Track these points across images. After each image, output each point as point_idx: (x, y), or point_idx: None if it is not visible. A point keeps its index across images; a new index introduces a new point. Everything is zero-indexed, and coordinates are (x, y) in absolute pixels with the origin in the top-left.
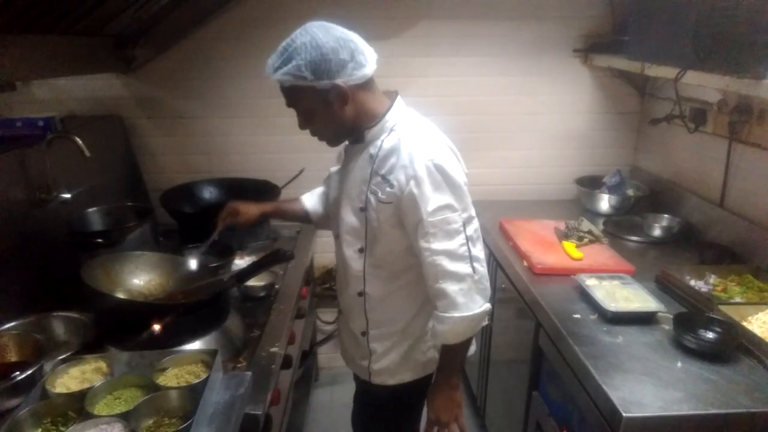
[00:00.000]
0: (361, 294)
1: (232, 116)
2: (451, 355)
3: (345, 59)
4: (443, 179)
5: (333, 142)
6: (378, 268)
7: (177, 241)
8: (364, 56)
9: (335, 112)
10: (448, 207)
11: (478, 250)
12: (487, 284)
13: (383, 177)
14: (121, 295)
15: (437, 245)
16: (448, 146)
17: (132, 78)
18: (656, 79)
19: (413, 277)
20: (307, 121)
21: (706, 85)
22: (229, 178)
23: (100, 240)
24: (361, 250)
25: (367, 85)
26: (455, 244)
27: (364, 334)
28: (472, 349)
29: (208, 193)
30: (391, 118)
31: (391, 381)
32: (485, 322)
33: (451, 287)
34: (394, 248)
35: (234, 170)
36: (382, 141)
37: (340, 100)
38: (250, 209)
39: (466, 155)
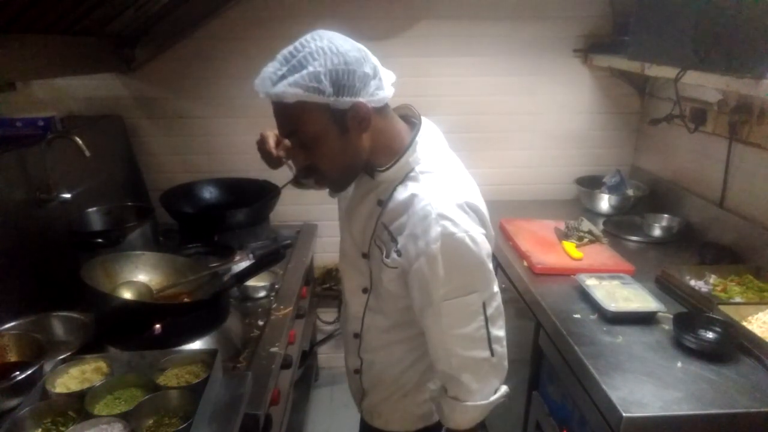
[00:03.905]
0: (356, 336)
1: (232, 116)
2: None
3: (369, 74)
4: (462, 258)
5: (338, 186)
6: (378, 315)
7: (177, 241)
8: (384, 75)
9: (351, 142)
10: (465, 288)
11: (498, 328)
12: (506, 363)
13: (391, 234)
14: (121, 295)
15: (450, 329)
16: (472, 204)
17: (132, 78)
18: (656, 79)
19: (416, 331)
20: (310, 153)
21: (706, 85)
22: (229, 178)
23: (100, 240)
24: (364, 291)
25: (384, 110)
26: (472, 328)
27: (357, 372)
28: (504, 388)
29: (208, 193)
30: (410, 159)
31: (378, 423)
32: (504, 399)
33: (465, 375)
34: (399, 304)
35: (234, 170)
36: (395, 188)
37: (359, 125)
38: None
39: (467, 155)
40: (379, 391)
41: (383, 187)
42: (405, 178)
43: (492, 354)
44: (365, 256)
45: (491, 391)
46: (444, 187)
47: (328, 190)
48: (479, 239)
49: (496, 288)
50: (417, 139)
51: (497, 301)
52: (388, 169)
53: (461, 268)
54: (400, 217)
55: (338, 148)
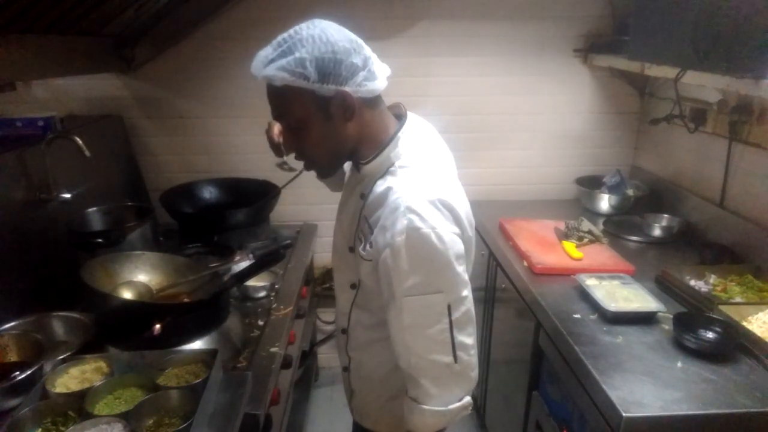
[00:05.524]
0: (344, 332)
1: (232, 116)
2: None
3: (357, 64)
4: (427, 254)
5: (326, 170)
6: (364, 311)
7: (177, 241)
8: (378, 67)
9: (335, 129)
10: (428, 286)
11: (466, 335)
12: (473, 373)
13: (370, 228)
14: (121, 295)
15: (411, 327)
16: (445, 202)
17: (132, 78)
18: (656, 79)
19: None
20: (297, 136)
21: (706, 85)
22: (229, 178)
23: (100, 240)
24: (353, 286)
25: (374, 102)
26: (434, 330)
27: (346, 369)
28: (467, 399)
29: (208, 193)
30: (392, 154)
31: (367, 423)
32: (467, 412)
33: (425, 378)
34: (380, 301)
35: (234, 170)
36: (375, 182)
37: (343, 114)
38: None
39: (466, 155)
40: (366, 392)
41: (366, 181)
42: (385, 172)
43: (455, 360)
44: (352, 250)
45: (452, 399)
46: (418, 182)
47: (318, 175)
48: (447, 238)
49: (465, 293)
50: (399, 134)
51: (466, 306)
52: (369, 162)
53: (425, 265)
54: (378, 210)
55: (322, 134)
